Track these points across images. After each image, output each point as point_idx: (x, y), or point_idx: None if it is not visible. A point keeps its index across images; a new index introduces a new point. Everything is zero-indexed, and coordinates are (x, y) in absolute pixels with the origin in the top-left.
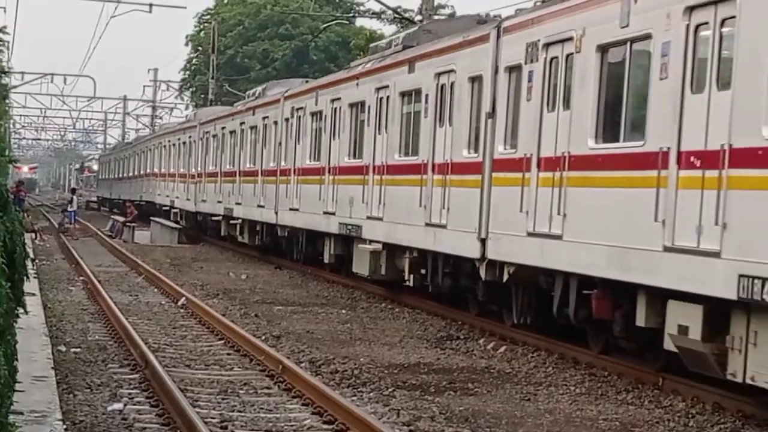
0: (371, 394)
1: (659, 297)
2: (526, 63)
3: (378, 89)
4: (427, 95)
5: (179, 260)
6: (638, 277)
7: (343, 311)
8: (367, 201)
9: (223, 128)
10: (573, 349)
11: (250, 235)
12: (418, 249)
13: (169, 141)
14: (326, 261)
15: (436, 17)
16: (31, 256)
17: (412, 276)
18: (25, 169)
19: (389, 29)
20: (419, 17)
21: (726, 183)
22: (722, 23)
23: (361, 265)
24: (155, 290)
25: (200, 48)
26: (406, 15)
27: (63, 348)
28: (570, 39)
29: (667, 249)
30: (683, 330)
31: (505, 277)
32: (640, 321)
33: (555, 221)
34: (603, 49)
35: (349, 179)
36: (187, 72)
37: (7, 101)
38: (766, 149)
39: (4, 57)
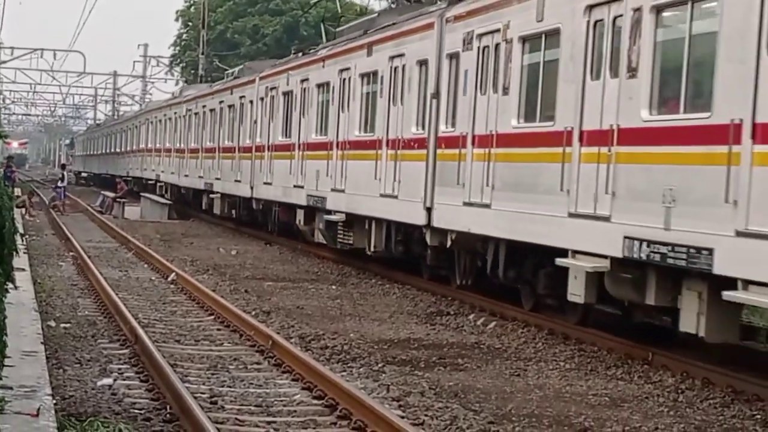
0: (361, 369)
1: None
2: (463, 50)
3: (341, 71)
4: (382, 77)
5: (169, 236)
6: (552, 241)
7: (333, 287)
8: (331, 174)
9: (204, 106)
10: (562, 324)
11: (228, 209)
12: (376, 218)
13: (155, 117)
14: (298, 230)
15: None
16: (21, 231)
17: (372, 244)
18: (15, 144)
19: (378, 5)
20: None
21: (614, 158)
22: (614, 20)
23: (324, 235)
24: (145, 266)
25: (190, 23)
26: None
27: (53, 323)
28: (498, 30)
29: (571, 215)
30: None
31: (449, 242)
32: (576, 291)
33: (485, 192)
34: (524, 40)
35: (316, 155)
36: (178, 47)
37: None
38: (645, 129)
39: None
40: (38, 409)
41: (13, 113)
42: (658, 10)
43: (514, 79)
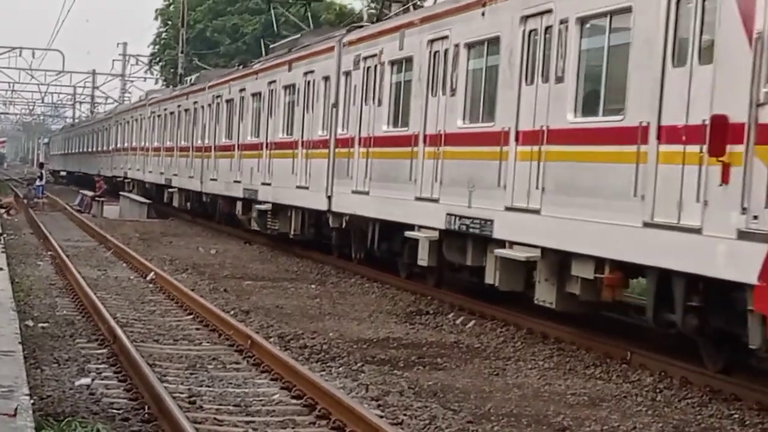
0: (340, 369)
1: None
2: (353, 69)
3: (269, 83)
4: (299, 89)
5: (148, 235)
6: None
7: (313, 286)
8: (262, 171)
9: (165, 109)
10: (542, 323)
11: (184, 202)
12: (294, 206)
13: (123, 119)
14: (238, 219)
15: None
16: None
17: (292, 229)
18: None
19: (359, 4)
20: None
21: (543, 155)
22: (546, 30)
23: (257, 223)
24: (124, 265)
25: (170, 22)
26: None
27: (30, 323)
28: (376, 55)
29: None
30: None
31: (344, 224)
32: (423, 256)
33: (366, 183)
34: (391, 63)
35: (251, 154)
36: (157, 46)
37: None
38: (569, 130)
39: None
40: (16, 409)
41: None
42: (582, 21)
43: (385, 94)
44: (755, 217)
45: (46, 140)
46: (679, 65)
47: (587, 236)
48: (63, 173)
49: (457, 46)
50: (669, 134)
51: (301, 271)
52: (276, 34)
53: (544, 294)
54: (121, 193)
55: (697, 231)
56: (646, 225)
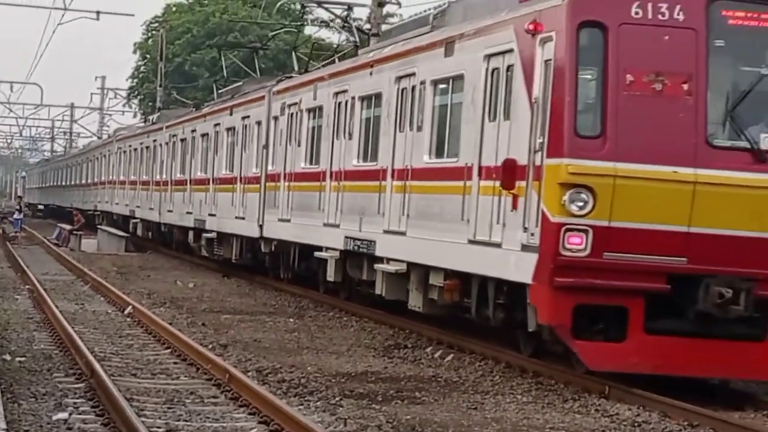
0: (318, 403)
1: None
2: (280, 115)
3: (215, 125)
4: (238, 131)
5: (126, 268)
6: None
7: (291, 320)
8: (208, 203)
9: (130, 146)
10: (520, 357)
11: (145, 231)
12: (234, 234)
13: (93, 155)
14: (191, 245)
15: (384, 26)
16: None
17: (234, 254)
18: None
19: (338, 38)
20: (368, 26)
21: (406, 189)
22: (412, 88)
23: (205, 249)
24: (102, 299)
25: (148, 55)
26: (355, 24)
27: (8, 357)
28: (296, 103)
29: (328, 225)
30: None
31: (273, 248)
32: (331, 273)
33: (288, 212)
34: (309, 111)
35: (200, 188)
36: (135, 80)
37: None
38: (425, 169)
39: None
40: None
41: None
42: (435, 83)
43: (303, 137)
44: (532, 234)
45: (23, 174)
46: (492, 120)
47: (436, 252)
48: (41, 206)
49: (353, 98)
50: (485, 173)
51: (279, 304)
52: (252, 70)
53: (415, 300)
54: (98, 226)
55: (499, 245)
56: (470, 242)
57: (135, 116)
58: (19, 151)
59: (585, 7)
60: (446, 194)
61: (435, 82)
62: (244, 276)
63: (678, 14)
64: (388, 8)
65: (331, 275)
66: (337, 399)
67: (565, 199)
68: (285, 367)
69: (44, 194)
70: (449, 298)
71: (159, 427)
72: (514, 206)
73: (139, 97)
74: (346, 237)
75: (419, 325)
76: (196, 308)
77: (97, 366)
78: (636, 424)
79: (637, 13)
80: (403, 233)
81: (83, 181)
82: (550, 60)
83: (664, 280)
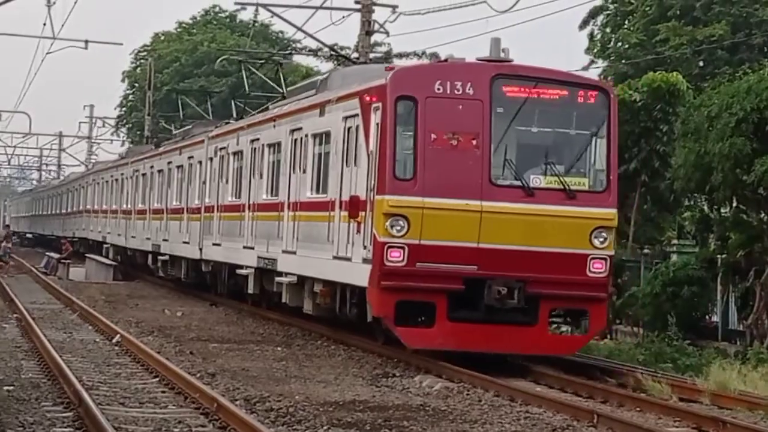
0: None
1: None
2: (214, 156)
3: (168, 163)
4: (185, 168)
5: (114, 297)
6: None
7: (279, 348)
8: (163, 229)
9: (102, 178)
10: (508, 387)
11: (115, 255)
12: (182, 257)
13: (72, 186)
14: (150, 267)
15: (372, 55)
16: None
17: (183, 274)
18: None
19: (326, 66)
20: (356, 55)
21: (295, 218)
22: (301, 139)
23: (161, 270)
24: (90, 327)
25: (137, 84)
26: (343, 52)
27: None
28: (225, 147)
29: (246, 247)
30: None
31: (211, 268)
32: (251, 287)
33: (219, 237)
34: (234, 154)
35: (157, 216)
36: (124, 108)
37: None
38: (307, 202)
39: None
40: None
41: None
42: (314, 136)
43: (230, 175)
44: (368, 251)
45: (6, 202)
46: (347, 166)
47: (314, 266)
48: (29, 235)
49: (262, 145)
50: (343, 205)
51: (267, 333)
52: (245, 95)
53: (307, 305)
54: (87, 255)
55: (350, 260)
56: (334, 258)
57: (123, 145)
58: (7, 179)
59: (401, 85)
60: (319, 222)
61: (314, 136)
62: (232, 305)
63: (469, 89)
64: (376, 37)
65: (251, 288)
66: (325, 428)
67: (388, 225)
68: (273, 396)
69: (29, 222)
70: (324, 301)
71: None
72: (358, 230)
73: (127, 125)
74: (258, 257)
75: (408, 355)
76: (184, 337)
77: (85, 395)
78: None
79: (438, 89)
80: (294, 252)
81: (63, 210)
82: (378, 123)
83: (460, 282)
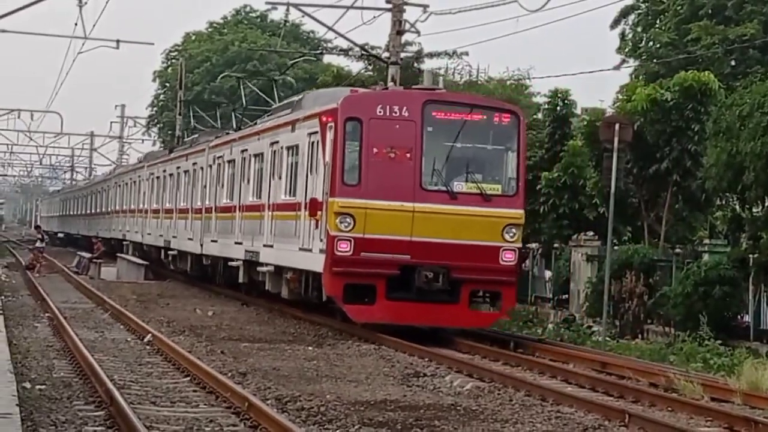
0: (337, 431)
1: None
2: (213, 164)
3: (177, 167)
4: (190, 173)
5: (145, 296)
6: (232, 255)
7: (310, 348)
8: (172, 227)
9: (123, 180)
10: (540, 386)
11: (133, 251)
12: (187, 252)
13: (98, 188)
14: (163, 261)
15: (403, 54)
16: None
17: (188, 267)
18: None
19: (357, 66)
20: (387, 54)
21: (272, 217)
22: (278, 150)
23: (171, 264)
24: (121, 327)
25: (168, 84)
26: (374, 52)
27: (28, 385)
28: (222, 155)
29: (236, 243)
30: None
31: (210, 261)
32: (241, 277)
33: (216, 234)
34: (228, 162)
35: (167, 216)
36: (155, 108)
37: None
38: (282, 204)
39: None
40: None
41: None
42: (288, 148)
43: (225, 180)
44: (323, 243)
45: (37, 202)
46: (310, 174)
47: (286, 257)
48: (60, 235)
49: (250, 155)
50: (309, 205)
51: (299, 332)
52: (271, 98)
53: (284, 292)
54: (118, 254)
55: (311, 251)
56: (300, 249)
57: (154, 144)
58: (39, 179)
59: (349, 108)
60: (290, 220)
61: (288, 148)
62: (263, 304)
63: (404, 112)
64: (406, 36)
65: (241, 278)
66: (356, 427)
67: (337, 222)
68: (304, 396)
69: (59, 222)
70: (293, 286)
71: None
72: (317, 226)
73: (158, 125)
74: (246, 250)
75: (438, 354)
76: (215, 336)
77: (116, 394)
78: None
79: (380, 112)
80: (272, 246)
81: (89, 211)
82: (332, 139)
83: (396, 268)
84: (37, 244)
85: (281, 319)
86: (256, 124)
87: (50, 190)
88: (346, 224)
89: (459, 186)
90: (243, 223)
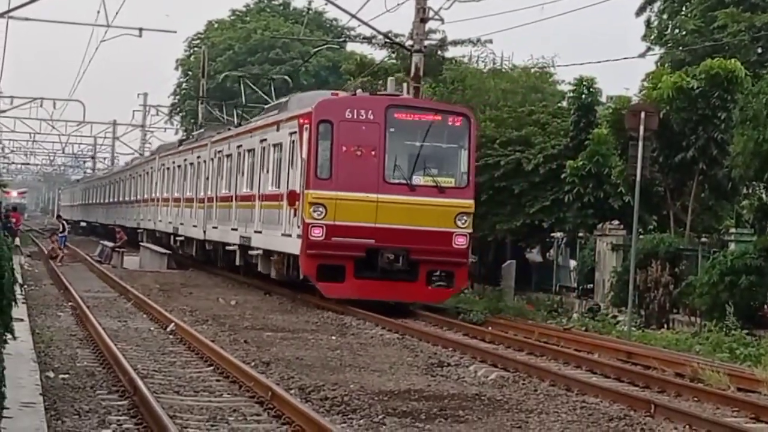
0: (361, 421)
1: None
2: (214, 157)
3: (184, 159)
4: (195, 166)
5: (168, 286)
6: (229, 240)
7: (333, 337)
8: (179, 215)
9: (136, 172)
10: (564, 376)
11: (146, 238)
12: (192, 238)
13: (114, 179)
14: (171, 246)
15: (426, 42)
16: (20, 281)
17: (194, 252)
18: (14, 194)
19: (380, 54)
20: (410, 42)
21: (261, 206)
22: (267, 147)
23: (179, 249)
24: (144, 316)
25: (190, 72)
26: (397, 40)
27: (51, 374)
28: (221, 150)
29: (233, 229)
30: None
31: (212, 246)
32: (237, 260)
33: (216, 221)
34: (227, 156)
35: (175, 204)
36: (177, 96)
37: None
38: (269, 194)
39: None
40: None
41: (13, 162)
42: (274, 145)
43: (224, 173)
44: (300, 229)
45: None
46: (291, 168)
47: (271, 242)
48: (83, 224)
49: (244, 150)
50: (288, 196)
51: (322, 322)
52: (295, 86)
53: (272, 273)
54: (141, 243)
55: (290, 236)
56: (282, 235)
57: (177, 133)
58: (62, 168)
59: (322, 112)
60: (275, 209)
61: (274, 145)
62: (286, 293)
63: (370, 115)
64: (430, 24)
65: (237, 261)
66: (380, 417)
67: (311, 211)
68: (328, 385)
69: (80, 211)
70: (278, 267)
71: None
72: (295, 215)
73: (180, 113)
74: (240, 236)
75: (463, 344)
76: (239, 325)
77: (140, 383)
78: None
79: (348, 115)
80: (261, 232)
81: (106, 201)
82: (307, 138)
83: (363, 251)
84: (59, 234)
85: (304, 308)
86: (249, 122)
87: (72, 179)
88: (319, 213)
89: (417, 179)
90: (238, 212)
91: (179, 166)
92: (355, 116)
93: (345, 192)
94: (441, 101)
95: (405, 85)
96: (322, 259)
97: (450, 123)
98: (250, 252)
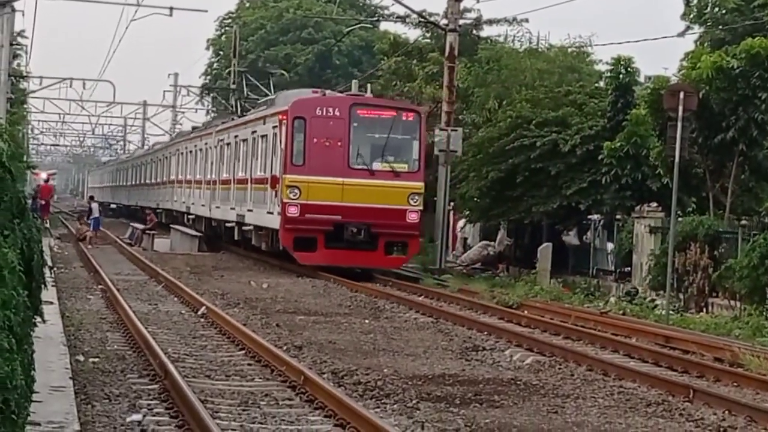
0: (395, 406)
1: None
2: (218, 144)
3: (194, 146)
4: (202, 151)
5: (199, 268)
6: (228, 218)
7: (366, 321)
8: (190, 196)
9: (157, 156)
10: (601, 361)
11: (164, 218)
12: (202, 216)
13: (137, 162)
14: (186, 224)
15: (461, 21)
16: (49, 263)
17: (203, 228)
18: (44, 175)
19: (414, 33)
20: (445, 21)
21: (252, 188)
22: (257, 137)
23: (192, 225)
24: (175, 299)
25: (221, 52)
26: (432, 19)
27: (81, 358)
28: (223, 139)
29: (231, 208)
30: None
31: (216, 224)
32: (235, 235)
33: (219, 202)
34: (227, 144)
35: (187, 186)
36: (208, 77)
37: (25, 106)
38: (258, 178)
39: (23, 61)
40: None
41: (42, 143)
42: (261, 135)
43: (225, 159)
44: (279, 207)
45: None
46: (275, 156)
47: (259, 218)
48: (113, 206)
49: (241, 140)
50: (271, 180)
51: (355, 305)
52: (328, 66)
53: (262, 245)
54: (172, 226)
55: (273, 213)
56: (267, 213)
57: (208, 114)
58: (92, 149)
59: (296, 109)
60: (262, 190)
61: (261, 136)
62: (320, 276)
63: (336, 112)
64: (465, 3)
65: (236, 236)
66: (414, 402)
67: (288, 192)
68: (361, 369)
69: (108, 192)
70: (264, 240)
71: (234, 430)
72: (276, 195)
73: (212, 94)
74: (237, 214)
75: (498, 328)
76: (270, 309)
77: (170, 367)
78: (721, 429)
79: (318, 112)
80: (252, 210)
81: (130, 183)
82: (285, 132)
83: (331, 225)
84: (92, 217)
85: (337, 292)
86: (244, 115)
87: (102, 160)
88: (294, 194)
89: (376, 165)
90: (235, 193)
91: (191, 152)
92: (324, 113)
93: (316, 176)
94: (476, 81)
95: (369, 86)
96: (298, 232)
97: (404, 118)
98: (244, 228)
